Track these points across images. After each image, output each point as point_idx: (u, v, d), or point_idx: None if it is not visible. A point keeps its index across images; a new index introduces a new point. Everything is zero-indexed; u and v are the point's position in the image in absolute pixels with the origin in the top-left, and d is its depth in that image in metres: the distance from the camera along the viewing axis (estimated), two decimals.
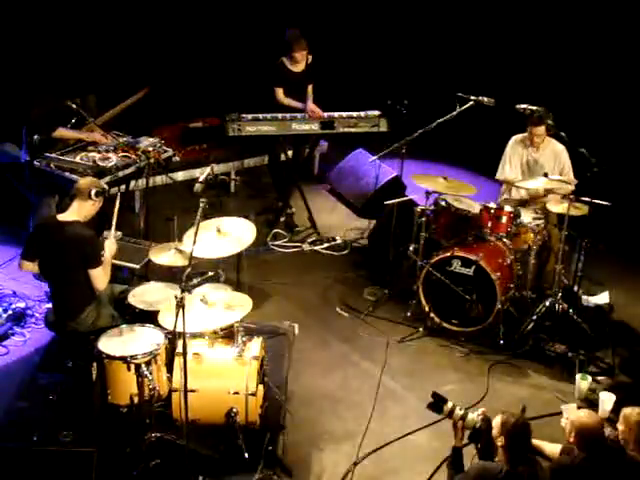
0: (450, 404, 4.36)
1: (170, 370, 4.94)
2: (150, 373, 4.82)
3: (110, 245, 5.33)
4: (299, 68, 7.78)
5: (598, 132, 8.21)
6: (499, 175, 7.03)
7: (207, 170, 5.46)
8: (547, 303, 6.39)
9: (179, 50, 9.81)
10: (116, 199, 5.55)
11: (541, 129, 6.72)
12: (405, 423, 5.40)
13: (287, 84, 7.78)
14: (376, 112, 7.97)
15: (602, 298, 6.86)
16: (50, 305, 5.44)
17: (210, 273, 5.64)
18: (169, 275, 5.70)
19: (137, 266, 5.89)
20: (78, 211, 5.21)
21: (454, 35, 9.92)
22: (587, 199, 6.17)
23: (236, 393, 4.85)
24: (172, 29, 9.84)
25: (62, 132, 6.68)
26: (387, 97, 7.90)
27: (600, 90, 8.98)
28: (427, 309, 6.43)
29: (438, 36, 9.95)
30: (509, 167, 6.94)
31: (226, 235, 5.34)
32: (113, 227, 5.48)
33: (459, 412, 4.33)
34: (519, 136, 6.95)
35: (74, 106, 6.67)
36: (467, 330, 6.33)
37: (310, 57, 7.76)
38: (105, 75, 8.78)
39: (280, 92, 7.79)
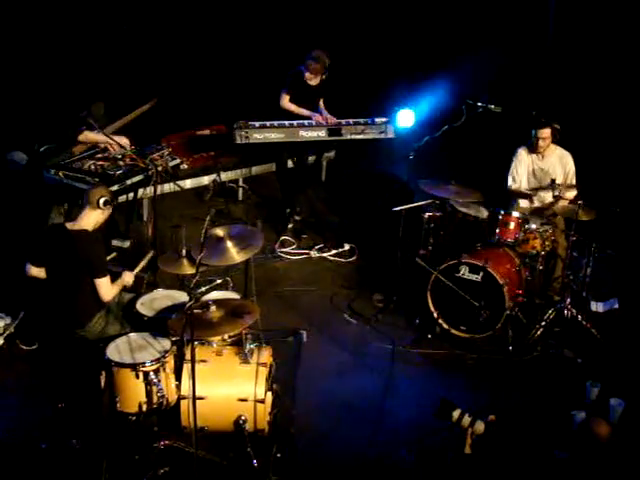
0: (459, 411, 4.35)
1: (178, 377, 4.94)
2: (159, 381, 4.83)
3: (127, 278, 5.35)
4: (314, 82, 7.84)
5: (607, 138, 8.21)
6: (508, 185, 7.02)
7: (215, 178, 5.47)
8: (556, 309, 6.38)
9: (186, 58, 9.84)
10: (148, 254, 5.64)
11: (546, 132, 6.70)
12: (414, 430, 5.38)
13: (298, 93, 7.82)
14: (383, 119, 7.98)
15: (611, 304, 6.85)
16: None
17: (218, 280, 5.65)
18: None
19: (145, 276, 5.91)
20: (87, 220, 5.23)
21: (459, 41, 9.92)
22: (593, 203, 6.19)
23: (244, 400, 4.85)
24: (180, 37, 9.86)
25: (88, 136, 6.65)
26: (393, 104, 7.94)
27: (610, 96, 8.96)
28: (435, 315, 6.41)
29: (444, 42, 9.95)
30: (516, 177, 6.93)
31: (234, 242, 5.34)
32: (139, 267, 5.51)
33: (468, 419, 4.32)
34: (524, 146, 6.93)
35: (85, 113, 6.69)
36: (476, 336, 6.32)
37: (325, 75, 7.81)
38: (113, 83, 8.81)
39: (286, 98, 7.84)
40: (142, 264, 5.53)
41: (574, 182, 6.80)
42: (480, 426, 4.29)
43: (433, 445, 5.19)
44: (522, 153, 6.92)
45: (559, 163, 6.85)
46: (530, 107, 6.99)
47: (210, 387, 4.84)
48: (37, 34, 8.66)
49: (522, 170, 6.91)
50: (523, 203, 6.97)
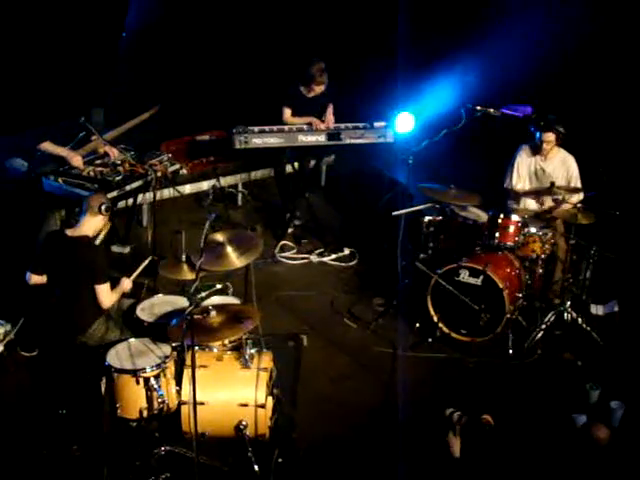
0: (458, 413, 4.36)
1: (179, 383, 4.94)
2: (159, 386, 4.84)
3: (126, 284, 5.35)
4: (312, 94, 7.78)
5: (610, 140, 8.20)
6: (506, 184, 7.01)
7: (214, 183, 5.47)
8: (556, 312, 6.38)
9: (185, 64, 9.85)
10: (146, 259, 5.63)
11: (550, 135, 6.70)
12: (414, 433, 5.38)
13: (297, 106, 7.79)
14: (382, 123, 7.99)
15: (611, 306, 6.85)
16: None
17: (218, 285, 5.66)
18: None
19: (145, 281, 5.91)
20: (88, 226, 5.26)
21: (460, 45, 9.93)
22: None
23: (245, 405, 4.85)
24: (178, 43, 9.88)
25: (47, 146, 6.54)
26: (393, 108, 7.93)
27: (611, 98, 8.95)
28: (435, 319, 6.41)
29: (443, 44, 9.96)
30: (517, 176, 6.93)
31: (234, 247, 5.34)
32: (136, 273, 5.49)
33: (464, 420, 4.33)
34: (527, 144, 6.94)
35: (82, 119, 6.69)
36: (476, 340, 6.32)
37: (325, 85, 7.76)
38: (113, 89, 8.83)
39: (288, 113, 7.78)
40: (139, 270, 5.53)
41: (579, 185, 6.78)
42: (477, 426, 4.29)
43: (434, 449, 5.21)
44: (524, 153, 6.91)
45: (561, 165, 6.83)
46: (532, 111, 6.96)
47: (211, 392, 4.84)
48: (38, 39, 8.68)
49: (524, 169, 6.90)
50: (530, 205, 6.96)
